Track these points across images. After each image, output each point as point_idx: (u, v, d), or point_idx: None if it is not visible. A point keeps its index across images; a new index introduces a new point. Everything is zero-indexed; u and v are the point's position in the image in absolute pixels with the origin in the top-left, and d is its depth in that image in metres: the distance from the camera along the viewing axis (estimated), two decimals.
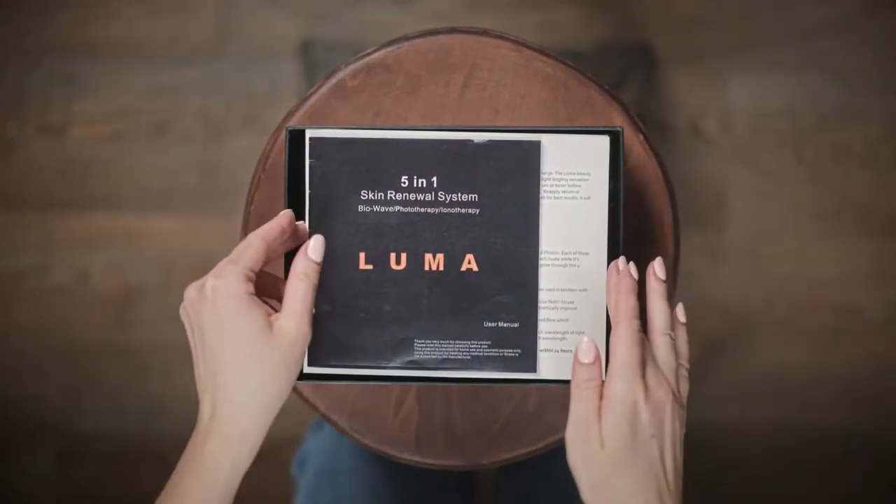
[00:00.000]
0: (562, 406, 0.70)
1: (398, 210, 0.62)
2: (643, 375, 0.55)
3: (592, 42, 1.34)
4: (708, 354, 1.35)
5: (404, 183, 0.61)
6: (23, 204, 1.38)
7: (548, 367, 0.63)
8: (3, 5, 1.37)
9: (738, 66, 1.34)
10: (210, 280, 0.55)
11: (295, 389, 0.69)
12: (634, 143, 0.69)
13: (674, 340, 0.58)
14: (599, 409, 0.55)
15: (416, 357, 0.63)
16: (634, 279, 0.58)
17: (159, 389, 1.37)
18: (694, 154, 1.34)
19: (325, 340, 0.62)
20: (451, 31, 0.69)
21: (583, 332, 0.62)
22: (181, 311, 0.58)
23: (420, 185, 0.61)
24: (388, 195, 0.61)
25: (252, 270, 0.56)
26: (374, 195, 0.61)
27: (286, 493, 1.04)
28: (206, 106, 1.36)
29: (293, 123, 0.68)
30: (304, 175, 0.63)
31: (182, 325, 0.57)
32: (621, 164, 0.62)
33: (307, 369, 0.63)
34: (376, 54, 0.69)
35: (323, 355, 0.62)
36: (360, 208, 0.62)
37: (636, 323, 0.56)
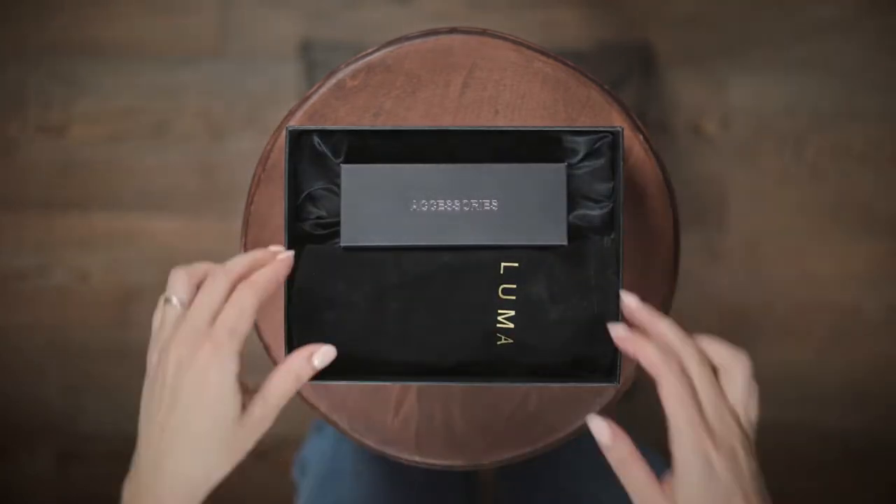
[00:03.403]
0: (562, 406, 0.70)
1: None
2: (703, 420, 0.51)
3: (592, 42, 1.34)
4: None
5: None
6: (23, 204, 1.38)
7: None
8: (3, 5, 1.37)
9: (738, 66, 1.34)
10: (207, 347, 0.53)
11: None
12: (634, 143, 0.69)
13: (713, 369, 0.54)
14: (655, 477, 0.51)
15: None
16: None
17: None
18: (694, 154, 1.34)
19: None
20: (451, 31, 0.69)
21: None
22: (158, 333, 0.57)
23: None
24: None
25: (244, 338, 0.55)
26: None
27: (286, 493, 1.04)
28: (206, 106, 1.36)
29: (293, 123, 0.68)
30: (303, 176, 0.62)
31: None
32: (621, 163, 0.61)
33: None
34: (376, 54, 0.69)
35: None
36: None
37: (675, 366, 0.52)
